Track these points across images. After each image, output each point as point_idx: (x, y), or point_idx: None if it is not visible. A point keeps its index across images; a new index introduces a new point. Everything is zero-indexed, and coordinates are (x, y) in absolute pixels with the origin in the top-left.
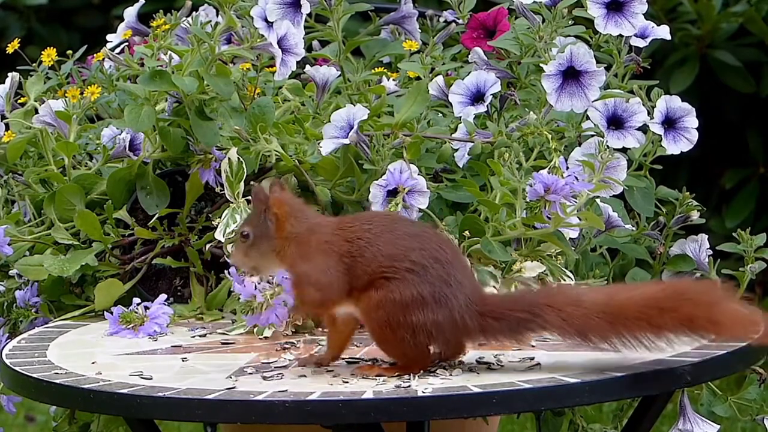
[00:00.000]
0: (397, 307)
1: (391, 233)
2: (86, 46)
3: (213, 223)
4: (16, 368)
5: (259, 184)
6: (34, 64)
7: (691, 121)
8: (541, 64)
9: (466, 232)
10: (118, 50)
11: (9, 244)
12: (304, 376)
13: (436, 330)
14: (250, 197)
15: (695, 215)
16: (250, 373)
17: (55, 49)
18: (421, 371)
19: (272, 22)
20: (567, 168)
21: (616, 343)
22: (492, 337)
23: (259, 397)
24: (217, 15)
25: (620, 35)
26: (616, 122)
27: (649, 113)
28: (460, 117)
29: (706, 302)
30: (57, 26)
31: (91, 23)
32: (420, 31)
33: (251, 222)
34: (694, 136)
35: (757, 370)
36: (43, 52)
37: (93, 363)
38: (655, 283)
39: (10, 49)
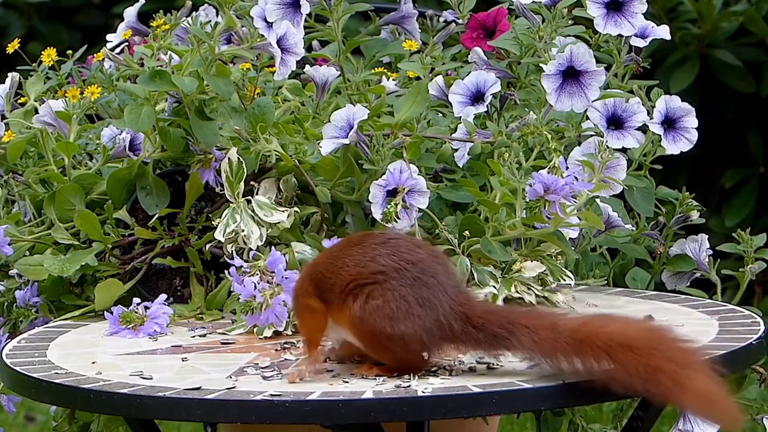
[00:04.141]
0: (382, 316)
1: (359, 246)
2: (86, 45)
3: (213, 223)
4: (16, 368)
5: None
6: (34, 64)
7: (691, 121)
8: (541, 64)
9: (466, 232)
10: (118, 50)
11: (9, 244)
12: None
13: (428, 336)
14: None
15: (695, 215)
16: (250, 373)
17: (55, 49)
18: (422, 371)
19: (272, 23)
20: (567, 168)
21: (578, 368)
22: (469, 346)
23: (259, 397)
24: (217, 15)
25: (620, 35)
26: (615, 122)
27: (648, 113)
28: (460, 117)
29: (679, 362)
30: (58, 24)
31: (92, 22)
32: (420, 31)
33: None
34: (694, 136)
35: (757, 369)
36: (43, 52)
37: (93, 363)
38: (639, 322)
39: (10, 49)
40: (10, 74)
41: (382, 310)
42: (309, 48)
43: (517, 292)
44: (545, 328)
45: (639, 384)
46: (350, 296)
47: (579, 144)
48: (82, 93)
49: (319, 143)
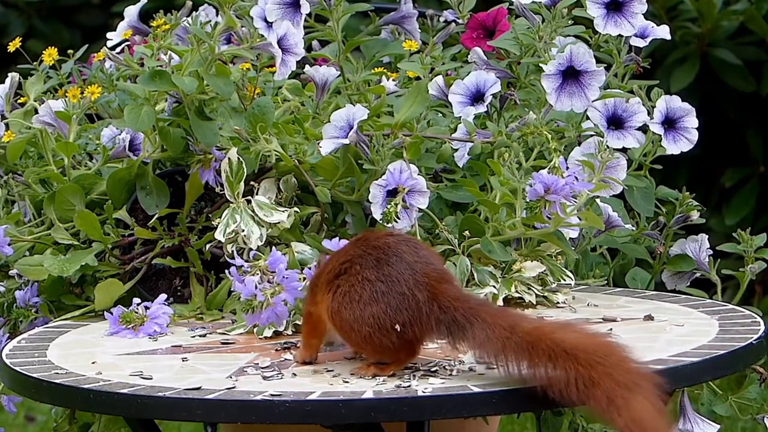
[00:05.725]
0: (350, 300)
1: (339, 250)
2: (87, 45)
3: (213, 223)
4: (16, 368)
5: None
6: (34, 63)
7: (691, 121)
8: (540, 64)
9: (466, 232)
10: (118, 50)
11: (9, 244)
12: (305, 376)
13: (393, 311)
14: None
15: (695, 215)
16: (250, 373)
17: (56, 48)
18: (415, 362)
19: (272, 23)
20: (567, 168)
21: (523, 372)
22: (433, 325)
23: (259, 397)
24: (217, 15)
25: (620, 35)
26: (616, 122)
27: (649, 113)
28: (460, 117)
29: (619, 381)
30: (58, 23)
31: (91, 21)
32: (420, 31)
33: None
34: (694, 135)
35: (757, 369)
36: (44, 52)
37: (93, 363)
38: (597, 335)
39: (11, 48)
40: (9, 74)
41: (350, 294)
42: (309, 48)
43: (517, 292)
44: (502, 326)
45: (575, 395)
46: (326, 292)
47: (579, 144)
48: (82, 93)
49: (319, 143)
